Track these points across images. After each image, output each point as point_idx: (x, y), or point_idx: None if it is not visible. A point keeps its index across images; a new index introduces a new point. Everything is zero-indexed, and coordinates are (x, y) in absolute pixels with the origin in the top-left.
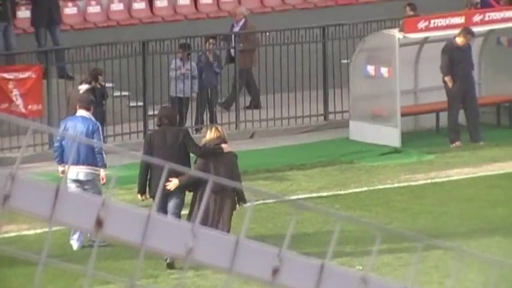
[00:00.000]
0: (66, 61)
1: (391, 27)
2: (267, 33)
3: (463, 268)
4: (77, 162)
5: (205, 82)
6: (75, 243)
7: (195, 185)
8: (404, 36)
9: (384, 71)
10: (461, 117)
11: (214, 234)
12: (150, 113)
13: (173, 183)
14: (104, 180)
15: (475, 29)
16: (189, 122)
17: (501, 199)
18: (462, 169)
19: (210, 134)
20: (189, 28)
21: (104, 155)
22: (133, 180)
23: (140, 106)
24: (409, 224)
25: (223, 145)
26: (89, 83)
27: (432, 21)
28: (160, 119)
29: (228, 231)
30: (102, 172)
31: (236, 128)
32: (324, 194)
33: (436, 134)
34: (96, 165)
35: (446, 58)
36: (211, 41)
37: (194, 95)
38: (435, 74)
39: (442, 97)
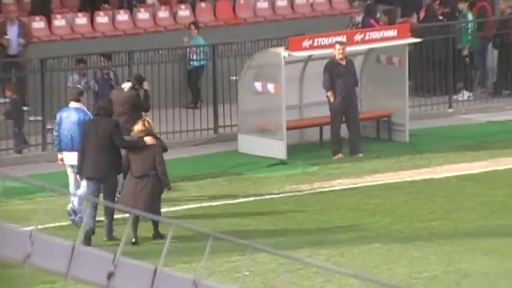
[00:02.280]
0: None
1: (278, 46)
2: (160, 51)
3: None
4: (71, 149)
5: (102, 97)
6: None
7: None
8: (289, 54)
9: (271, 87)
10: (344, 131)
11: (52, 240)
12: (49, 126)
13: None
14: None
15: (356, 48)
16: None
17: (380, 208)
18: (344, 180)
19: (137, 126)
20: (86, 46)
21: None
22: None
23: (39, 120)
24: (294, 232)
25: (145, 138)
26: (133, 85)
27: (316, 40)
28: (97, 109)
29: (151, 211)
30: None
31: None
32: (214, 203)
33: (320, 146)
34: None
35: (327, 74)
36: (102, 58)
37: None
38: (319, 90)
39: (325, 112)
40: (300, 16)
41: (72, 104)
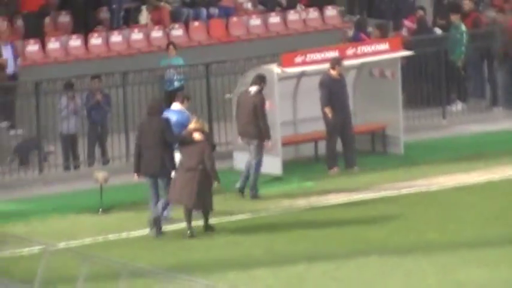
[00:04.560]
0: None
1: (271, 63)
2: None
3: None
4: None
5: (94, 119)
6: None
7: None
8: (282, 71)
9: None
10: (338, 145)
11: None
12: (45, 150)
13: None
14: None
15: (349, 62)
16: (82, 157)
17: (376, 221)
18: (339, 194)
19: (191, 125)
20: (80, 68)
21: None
22: None
23: None
24: (291, 248)
25: (194, 134)
26: (259, 85)
27: (308, 55)
28: (147, 109)
29: (194, 205)
30: None
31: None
32: (210, 221)
33: (315, 161)
34: None
35: (325, 90)
36: (96, 80)
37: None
38: (313, 105)
39: (319, 126)
40: (293, 32)
41: (175, 106)
